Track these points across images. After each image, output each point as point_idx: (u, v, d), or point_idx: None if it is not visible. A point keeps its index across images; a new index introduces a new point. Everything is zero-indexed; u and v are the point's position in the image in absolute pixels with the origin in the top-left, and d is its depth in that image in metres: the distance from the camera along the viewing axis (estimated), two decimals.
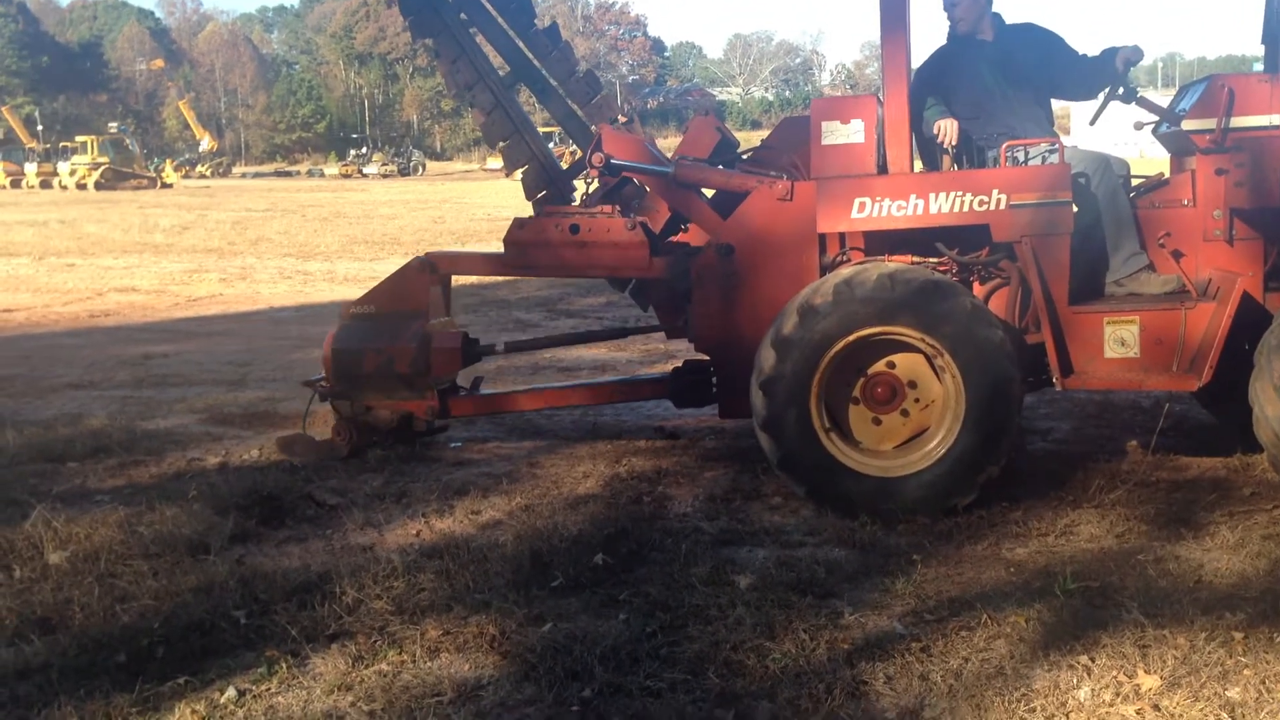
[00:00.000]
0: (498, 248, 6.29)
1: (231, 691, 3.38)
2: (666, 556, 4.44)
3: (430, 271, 6.19)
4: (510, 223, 6.12)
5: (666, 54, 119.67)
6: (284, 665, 3.54)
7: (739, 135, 7.62)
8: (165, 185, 53.13)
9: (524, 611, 3.90)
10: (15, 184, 54.45)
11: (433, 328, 6.12)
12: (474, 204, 34.11)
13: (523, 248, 6.06)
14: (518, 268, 6.25)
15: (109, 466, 6.04)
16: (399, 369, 6.02)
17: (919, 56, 5.70)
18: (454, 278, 6.48)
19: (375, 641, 3.71)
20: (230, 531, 4.76)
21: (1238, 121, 5.07)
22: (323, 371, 6.28)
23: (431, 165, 77.87)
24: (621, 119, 6.51)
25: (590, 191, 6.32)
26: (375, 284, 6.40)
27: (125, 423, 6.99)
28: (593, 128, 6.44)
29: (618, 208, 6.03)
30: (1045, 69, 5.80)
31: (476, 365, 6.75)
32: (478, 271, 6.62)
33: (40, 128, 68.58)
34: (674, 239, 6.19)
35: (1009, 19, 5.87)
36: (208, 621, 3.84)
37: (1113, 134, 9.56)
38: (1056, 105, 6.30)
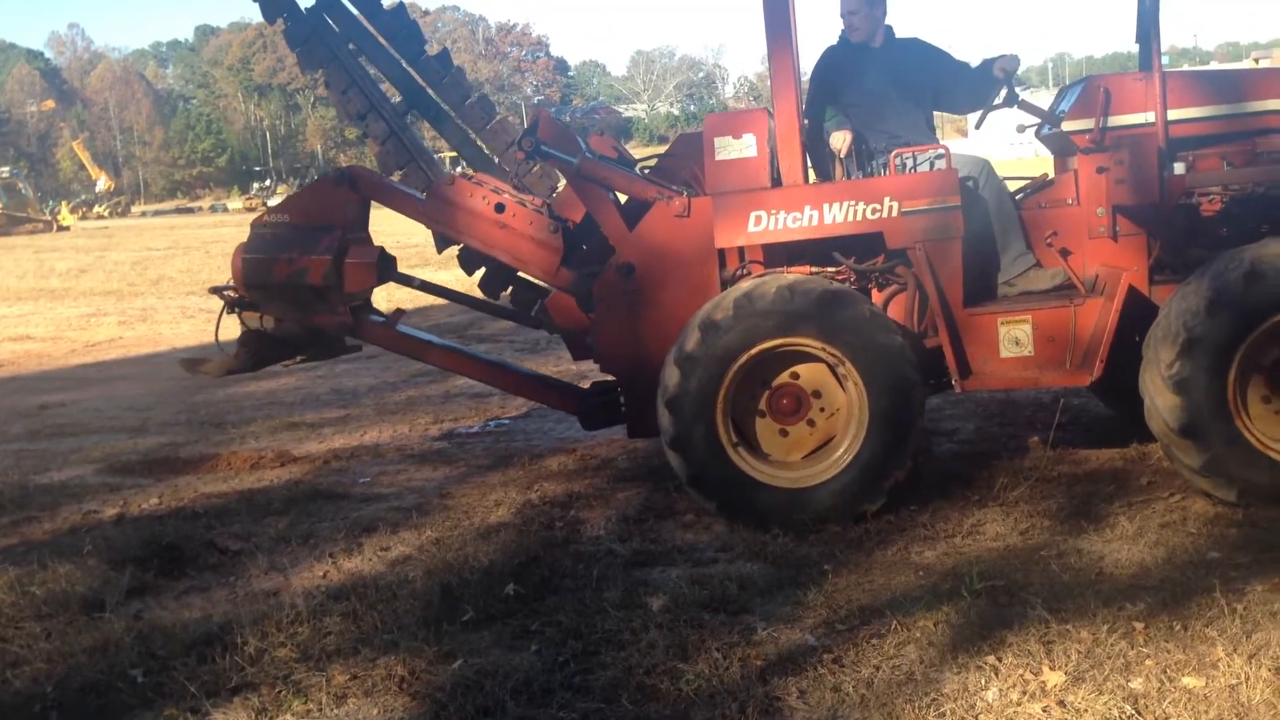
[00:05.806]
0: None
1: None
2: (579, 582, 4.40)
3: (349, 187, 5.97)
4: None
5: (571, 73, 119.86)
6: None
7: (646, 150, 7.64)
8: (61, 228, 51.60)
9: (434, 649, 3.83)
10: None
11: (348, 240, 5.87)
12: (382, 231, 33.36)
13: (443, 203, 5.89)
14: (430, 220, 6.00)
15: (0, 525, 5.81)
16: (310, 280, 5.73)
17: (808, 61, 5.77)
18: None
19: (280, 692, 3.61)
20: (127, 586, 4.60)
21: (1115, 120, 5.21)
22: (231, 280, 6.01)
23: None
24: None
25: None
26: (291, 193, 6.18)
27: (18, 478, 6.75)
28: (495, 156, 6.38)
29: (547, 205, 5.94)
30: (932, 78, 5.92)
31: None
32: (393, 205, 6.28)
33: None
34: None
35: (899, 31, 5.98)
36: (103, 682, 3.71)
37: (1006, 135, 9.79)
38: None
